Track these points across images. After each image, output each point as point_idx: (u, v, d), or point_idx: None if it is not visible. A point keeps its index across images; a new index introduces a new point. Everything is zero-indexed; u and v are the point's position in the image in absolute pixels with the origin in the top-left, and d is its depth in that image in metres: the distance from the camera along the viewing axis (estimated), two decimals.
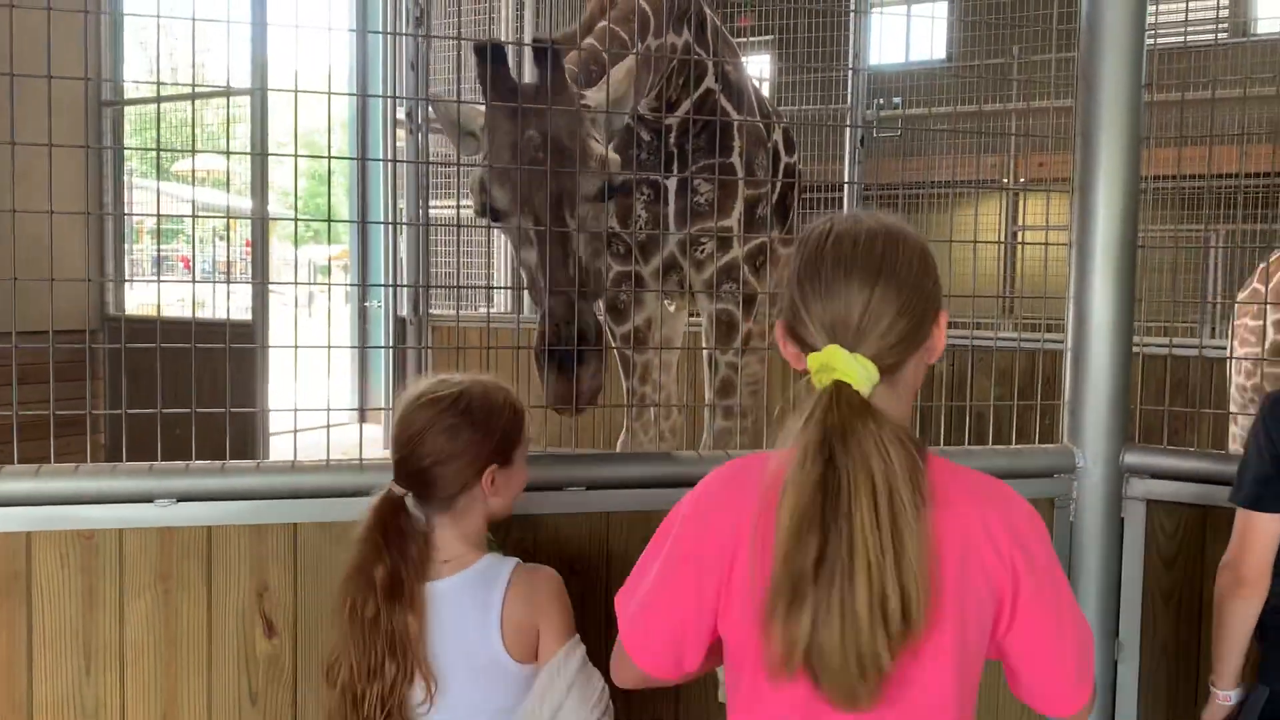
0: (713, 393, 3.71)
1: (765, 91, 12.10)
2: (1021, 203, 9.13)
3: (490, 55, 2.40)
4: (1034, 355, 2.84)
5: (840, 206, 6.22)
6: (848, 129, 6.57)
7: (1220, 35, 10.48)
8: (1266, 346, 3.88)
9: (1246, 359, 3.94)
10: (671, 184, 3.55)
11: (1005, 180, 9.36)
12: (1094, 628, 2.13)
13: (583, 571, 2.08)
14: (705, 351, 3.70)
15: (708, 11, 3.55)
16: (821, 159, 8.32)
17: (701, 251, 3.58)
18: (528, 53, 2.58)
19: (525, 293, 6.68)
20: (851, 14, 6.26)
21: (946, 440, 2.48)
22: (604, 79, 2.72)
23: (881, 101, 9.30)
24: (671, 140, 3.49)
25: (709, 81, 3.51)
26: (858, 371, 1.22)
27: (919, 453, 1.23)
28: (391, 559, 1.63)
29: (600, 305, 3.61)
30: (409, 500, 1.70)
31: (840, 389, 1.22)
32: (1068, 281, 2.25)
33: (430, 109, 4.04)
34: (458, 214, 6.24)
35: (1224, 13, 10.67)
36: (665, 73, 3.32)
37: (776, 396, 5.13)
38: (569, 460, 2.09)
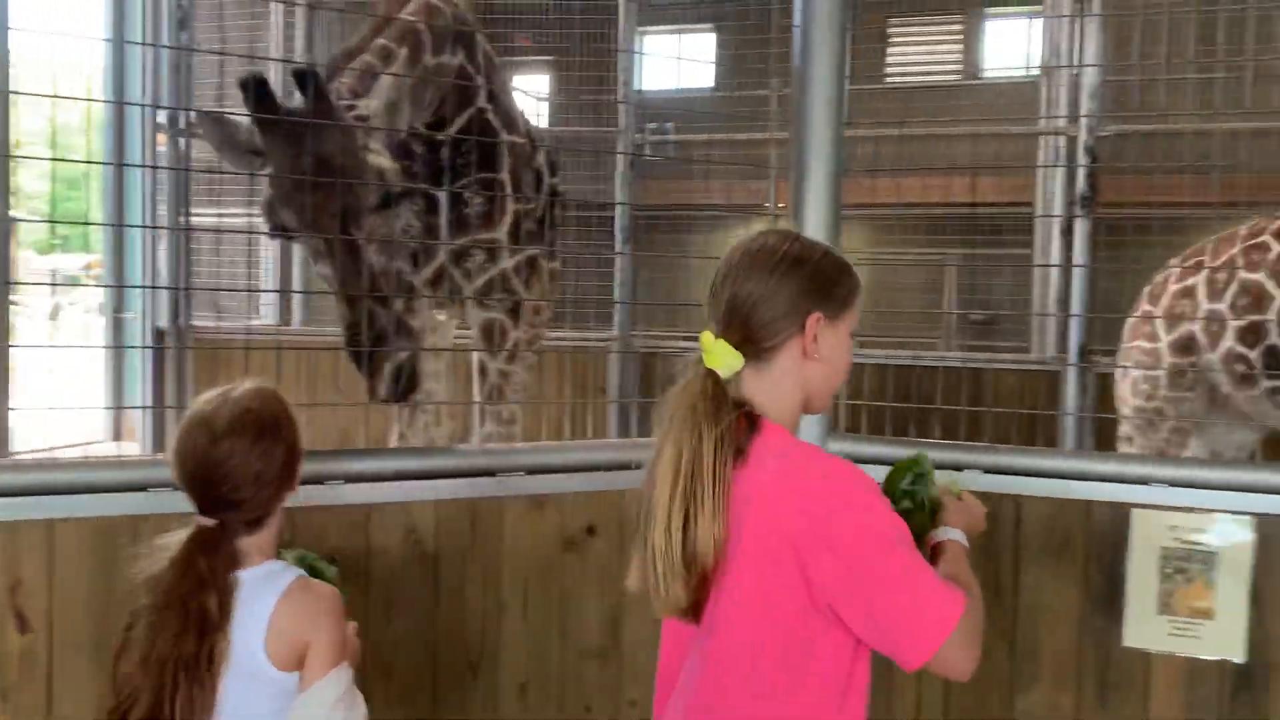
0: (481, 398, 3.86)
1: (545, 110, 12.36)
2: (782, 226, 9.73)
3: (254, 92, 2.50)
4: None
5: (612, 226, 6.47)
6: (619, 151, 6.82)
7: (955, 78, 11.61)
8: (1164, 368, 4.13)
9: (1143, 379, 4.18)
10: (444, 196, 3.69)
11: (766, 205, 9.93)
12: None
13: (341, 563, 2.17)
14: (474, 358, 3.85)
15: (479, 36, 3.73)
16: (597, 179, 8.62)
17: (472, 261, 3.73)
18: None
19: (295, 302, 6.57)
20: (619, 38, 6.52)
21: None
22: (375, 87, 2.86)
23: (654, 126, 9.67)
24: (444, 153, 3.64)
25: (480, 101, 3.68)
26: (719, 354, 1.50)
27: (753, 428, 1.47)
28: (218, 591, 1.61)
29: (400, 304, 3.73)
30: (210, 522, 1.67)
31: (698, 370, 1.51)
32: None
33: (199, 120, 4.01)
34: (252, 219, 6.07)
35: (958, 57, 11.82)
36: (443, 90, 3.47)
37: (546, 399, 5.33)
38: (326, 455, 2.18)
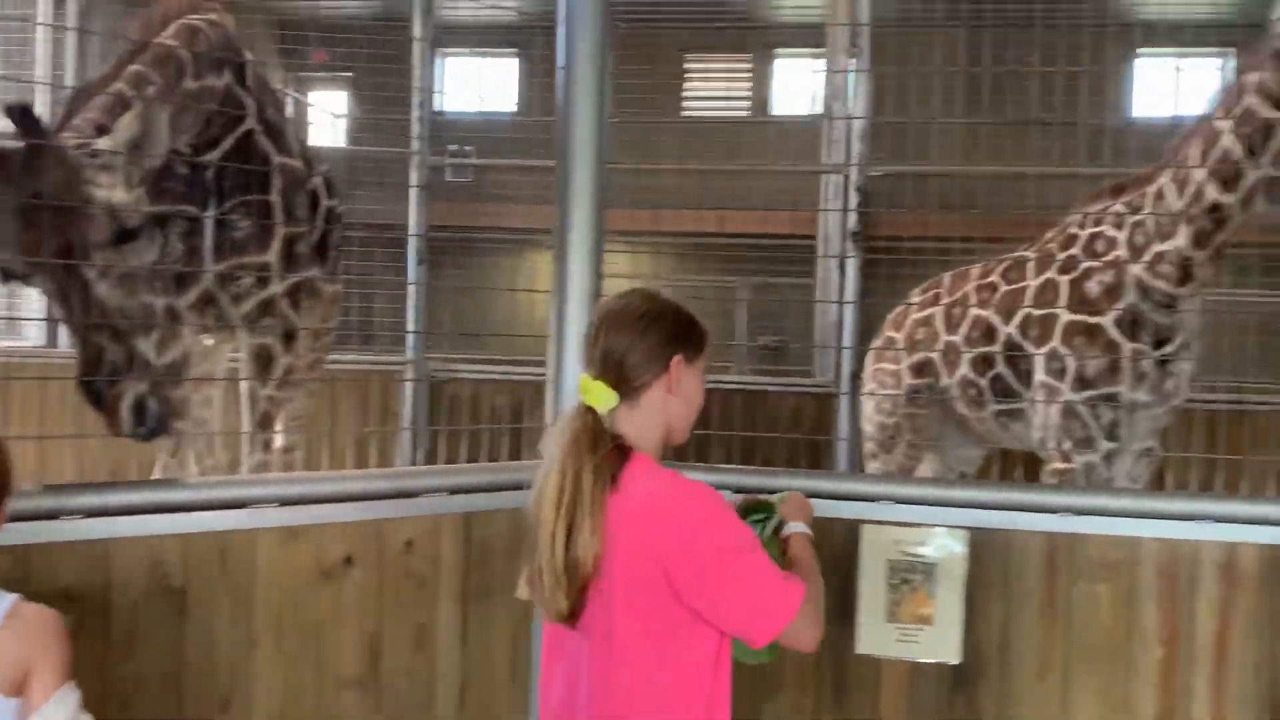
0: (251, 426, 3.75)
1: (342, 128, 12.08)
2: None
3: (20, 122, 2.42)
4: None
5: (405, 248, 6.38)
6: (414, 170, 6.71)
7: (745, 114, 12.13)
8: (903, 388, 4.46)
9: (885, 399, 4.52)
10: (209, 217, 3.59)
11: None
12: None
13: (79, 599, 2.08)
14: (243, 385, 3.74)
15: (248, 56, 3.65)
16: (394, 200, 8.49)
17: (240, 285, 3.63)
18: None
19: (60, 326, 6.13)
20: (414, 59, 6.47)
21: None
22: (118, 122, 2.78)
23: (454, 148, 9.62)
24: (209, 176, 3.54)
25: (249, 122, 3.60)
26: (597, 393, 1.77)
27: (623, 458, 1.75)
28: None
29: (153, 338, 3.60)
30: None
31: (579, 406, 1.79)
32: (548, 323, 2.63)
33: None
34: None
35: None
36: (207, 113, 3.38)
37: (323, 426, 5.22)
38: (63, 489, 2.09)
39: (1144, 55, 11.25)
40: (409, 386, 6.36)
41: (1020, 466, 5.09)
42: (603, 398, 1.77)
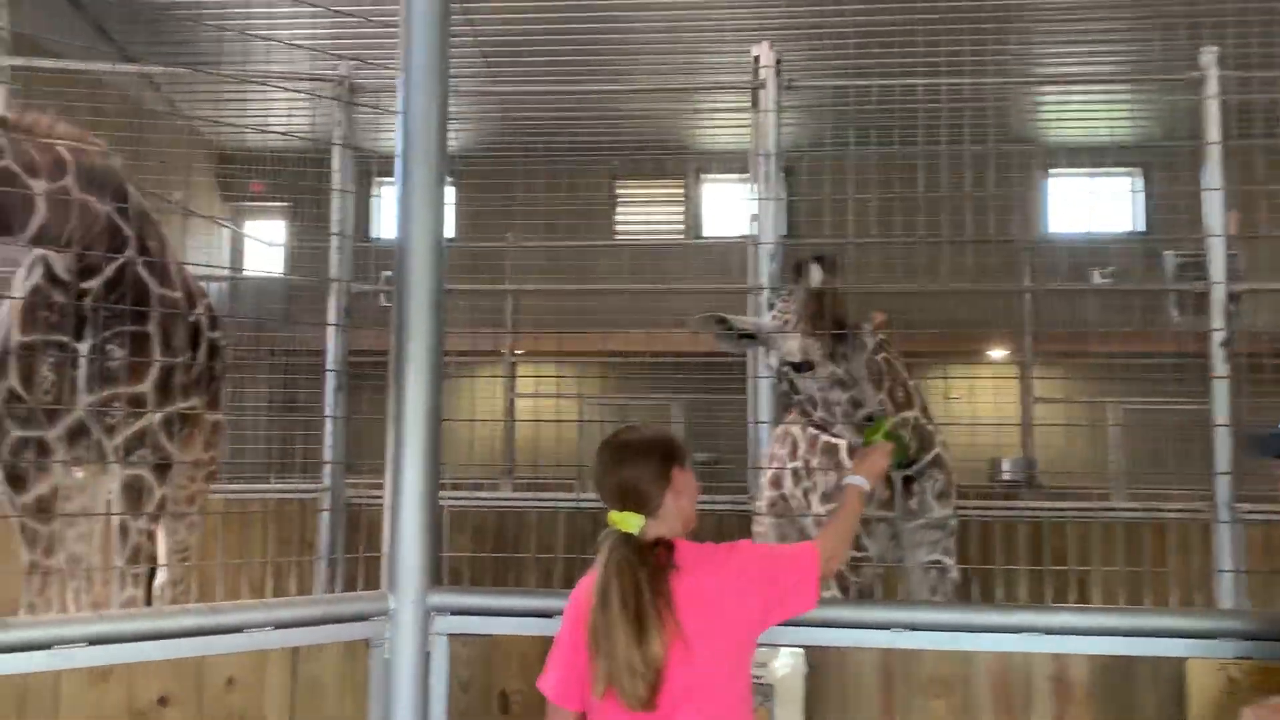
0: (122, 561, 3.66)
1: (281, 256, 12.15)
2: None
3: None
4: None
5: (322, 371, 6.35)
6: (333, 299, 6.71)
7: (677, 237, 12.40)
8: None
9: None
10: (83, 347, 3.57)
11: (503, 351, 10.07)
12: None
13: None
14: (114, 519, 3.66)
15: (130, 189, 3.70)
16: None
17: (114, 416, 3.59)
18: None
19: None
20: (335, 186, 6.56)
21: None
22: None
23: (389, 275, 9.71)
24: (86, 304, 3.54)
25: (129, 253, 3.63)
26: (627, 521, 2.21)
27: (668, 548, 2.18)
28: None
29: None
30: None
31: (615, 532, 2.21)
32: (386, 447, 2.62)
33: None
34: None
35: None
36: (85, 238, 3.41)
37: (215, 554, 5.11)
38: None
39: (1056, 175, 11.71)
40: (325, 515, 6.26)
41: None
42: (632, 523, 2.20)
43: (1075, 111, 11.43)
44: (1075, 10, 10.32)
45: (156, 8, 10.14)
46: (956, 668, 2.36)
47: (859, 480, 2.52)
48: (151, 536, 3.74)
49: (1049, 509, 5.83)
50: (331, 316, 6.74)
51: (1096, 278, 10.18)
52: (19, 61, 5.82)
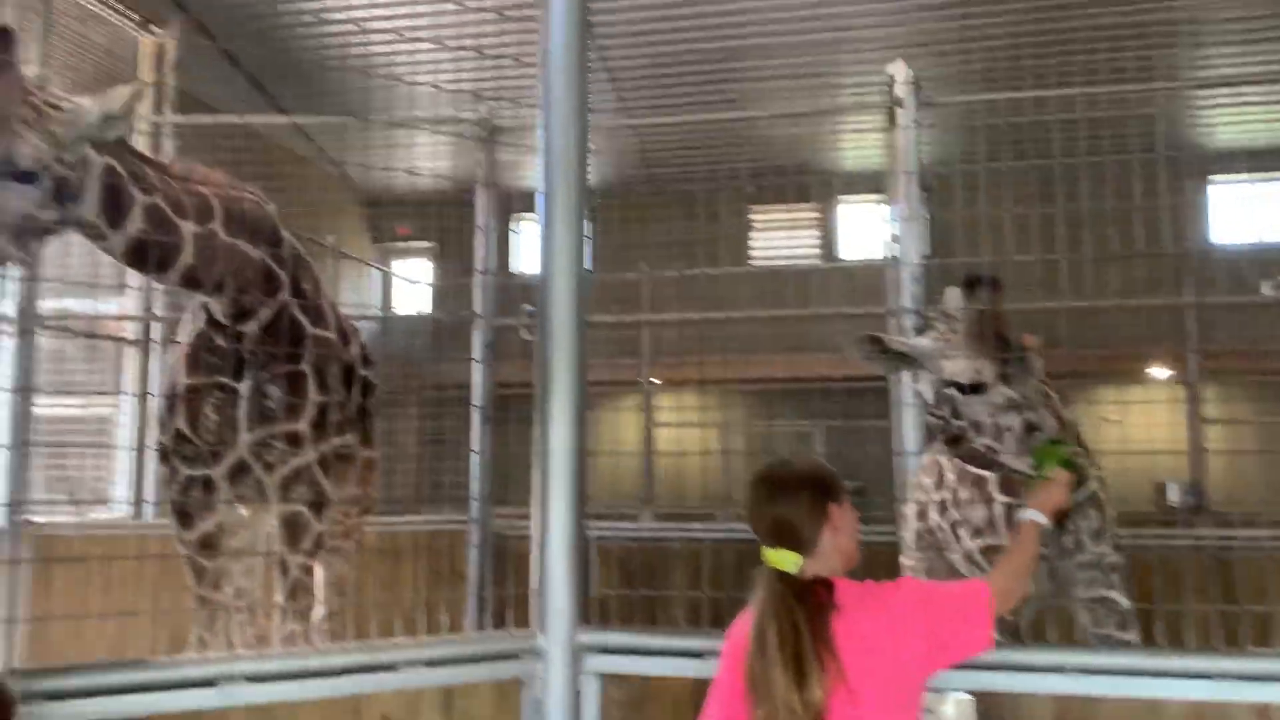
0: (283, 596, 3.77)
1: (428, 294, 12.47)
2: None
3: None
4: None
5: (469, 405, 6.45)
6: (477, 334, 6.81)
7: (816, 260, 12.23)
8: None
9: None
10: (243, 388, 3.71)
11: (639, 379, 10.07)
12: None
13: None
14: (275, 554, 3.77)
15: (285, 234, 3.83)
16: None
17: (272, 454, 3.71)
18: None
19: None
20: (478, 223, 6.69)
21: None
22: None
23: (530, 309, 9.83)
24: (245, 346, 3.67)
25: (284, 295, 3.76)
26: (783, 560, 2.13)
27: (827, 588, 2.10)
28: None
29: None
30: None
31: (771, 571, 2.13)
32: (532, 482, 2.61)
33: None
34: None
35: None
36: (239, 281, 3.53)
37: (371, 593, 5.23)
38: (22, 674, 2.10)
39: (1219, 182, 11.04)
40: (473, 550, 6.33)
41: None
42: (789, 561, 2.13)
43: (1235, 115, 10.79)
44: (1232, 7, 9.76)
45: (308, 62, 10.66)
46: (1141, 717, 2.17)
47: (1035, 515, 2.41)
48: (310, 571, 3.84)
49: (1241, 539, 5.28)
50: (476, 352, 6.86)
51: (1266, 289, 9.51)
52: (180, 119, 6.17)
